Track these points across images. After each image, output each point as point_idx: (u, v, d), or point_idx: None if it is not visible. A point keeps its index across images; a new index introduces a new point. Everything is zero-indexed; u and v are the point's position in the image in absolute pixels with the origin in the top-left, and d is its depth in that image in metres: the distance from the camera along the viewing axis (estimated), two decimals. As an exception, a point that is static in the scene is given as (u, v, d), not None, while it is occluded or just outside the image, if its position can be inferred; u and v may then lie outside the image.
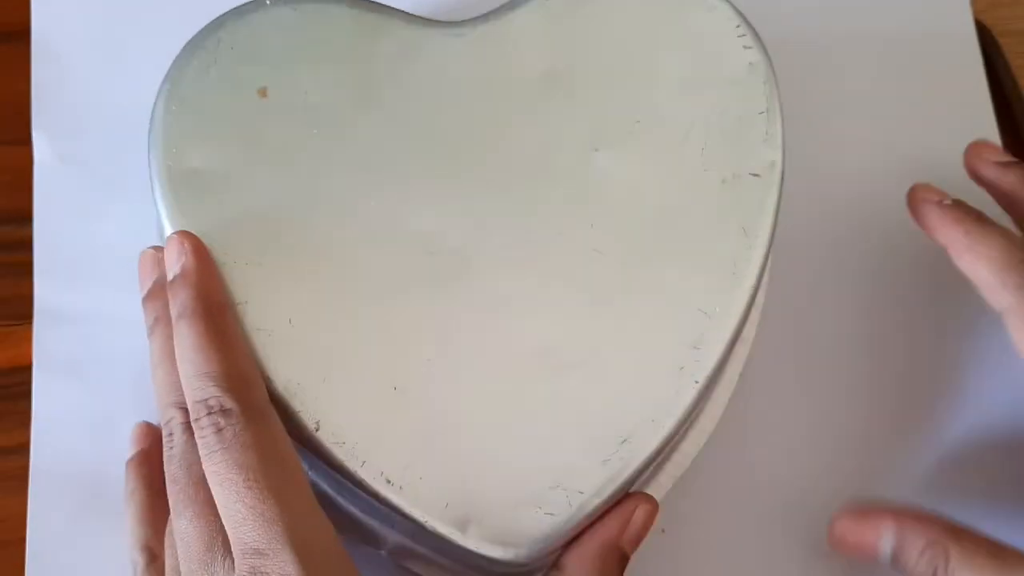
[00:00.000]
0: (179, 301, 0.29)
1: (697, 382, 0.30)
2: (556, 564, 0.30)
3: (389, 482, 0.29)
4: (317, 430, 0.29)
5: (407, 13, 0.33)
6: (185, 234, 0.30)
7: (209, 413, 0.28)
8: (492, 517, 0.29)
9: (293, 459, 0.28)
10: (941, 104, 0.41)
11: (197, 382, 0.28)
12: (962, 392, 0.38)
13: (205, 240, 0.30)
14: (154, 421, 0.35)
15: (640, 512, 0.30)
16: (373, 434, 0.29)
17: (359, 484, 0.29)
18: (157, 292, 0.31)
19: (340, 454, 0.29)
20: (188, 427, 0.29)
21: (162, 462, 0.30)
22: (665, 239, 0.32)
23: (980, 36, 0.42)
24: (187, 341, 0.29)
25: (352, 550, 0.28)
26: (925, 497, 0.37)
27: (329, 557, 0.27)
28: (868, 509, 0.33)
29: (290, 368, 0.30)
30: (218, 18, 0.32)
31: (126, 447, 0.35)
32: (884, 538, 0.32)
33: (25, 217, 0.37)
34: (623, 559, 0.30)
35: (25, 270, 0.37)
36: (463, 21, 0.33)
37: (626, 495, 0.30)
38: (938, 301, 0.39)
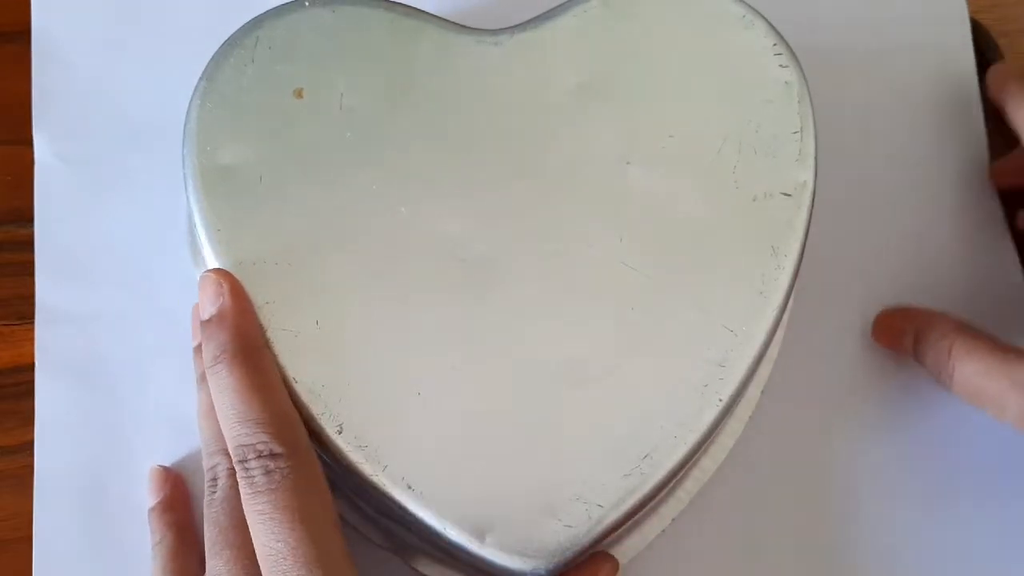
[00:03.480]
0: (217, 343, 0.29)
1: (721, 400, 0.30)
2: None
3: (409, 487, 0.29)
4: (339, 433, 0.29)
5: (444, 19, 0.33)
6: (222, 273, 0.30)
7: (259, 456, 0.28)
8: (511, 527, 0.29)
9: (328, 499, 0.28)
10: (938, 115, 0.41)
11: (242, 428, 0.28)
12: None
13: (234, 239, 0.30)
14: (155, 421, 0.35)
15: (604, 571, 0.30)
16: (395, 439, 0.30)
17: (378, 488, 0.29)
18: None
19: (361, 458, 0.29)
20: (233, 472, 0.29)
21: (185, 505, 0.32)
22: (694, 255, 0.32)
23: (978, 36, 0.42)
24: (229, 386, 0.29)
25: (367, 557, 0.29)
26: (938, 509, 0.37)
27: None
28: (899, 310, 0.38)
29: (315, 370, 0.30)
30: (257, 17, 0.32)
31: (128, 445, 0.35)
32: (907, 334, 0.36)
33: (26, 217, 0.37)
34: None
35: (26, 270, 0.37)
36: (500, 29, 0.33)
37: (592, 555, 0.30)
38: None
